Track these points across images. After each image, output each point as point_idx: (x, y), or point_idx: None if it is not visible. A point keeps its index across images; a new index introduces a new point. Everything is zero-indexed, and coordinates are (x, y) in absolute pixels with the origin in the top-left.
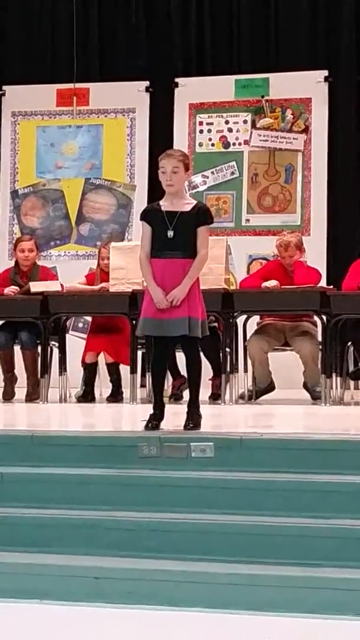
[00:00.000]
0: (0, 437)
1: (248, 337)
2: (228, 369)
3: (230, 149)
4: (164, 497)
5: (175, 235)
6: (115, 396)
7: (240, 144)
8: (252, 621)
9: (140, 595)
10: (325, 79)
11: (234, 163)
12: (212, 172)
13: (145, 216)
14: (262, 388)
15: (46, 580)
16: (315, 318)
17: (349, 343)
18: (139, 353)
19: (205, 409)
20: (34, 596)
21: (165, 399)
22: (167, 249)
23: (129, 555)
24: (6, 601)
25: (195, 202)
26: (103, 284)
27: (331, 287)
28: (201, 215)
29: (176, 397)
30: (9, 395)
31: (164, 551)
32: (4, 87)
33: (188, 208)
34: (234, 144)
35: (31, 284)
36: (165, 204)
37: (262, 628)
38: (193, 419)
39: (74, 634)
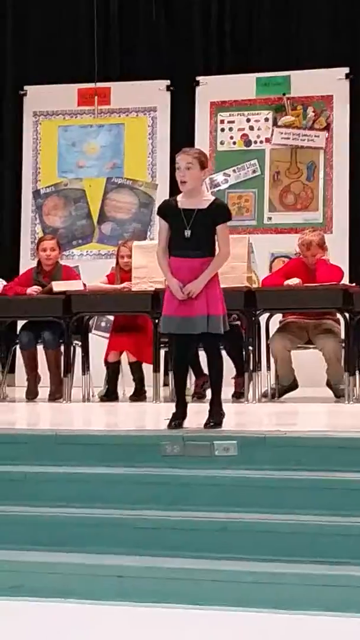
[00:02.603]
0: (24, 436)
1: (271, 335)
2: (251, 367)
3: (251, 147)
4: (187, 495)
5: (192, 235)
6: (138, 395)
7: (261, 142)
8: (276, 620)
9: (163, 594)
10: (347, 76)
11: (255, 161)
12: (234, 171)
13: (162, 211)
14: (285, 386)
15: (69, 579)
16: (338, 316)
17: None
18: (162, 352)
19: (229, 407)
20: (57, 595)
21: (188, 398)
22: (185, 248)
23: (152, 554)
24: (30, 600)
25: (212, 198)
26: (125, 283)
27: (354, 284)
28: (218, 212)
29: (199, 396)
30: (32, 395)
31: (187, 550)
32: (25, 87)
33: (205, 205)
34: (255, 142)
35: (54, 283)
36: (182, 201)
37: (286, 626)
38: (215, 417)
39: (97, 632)
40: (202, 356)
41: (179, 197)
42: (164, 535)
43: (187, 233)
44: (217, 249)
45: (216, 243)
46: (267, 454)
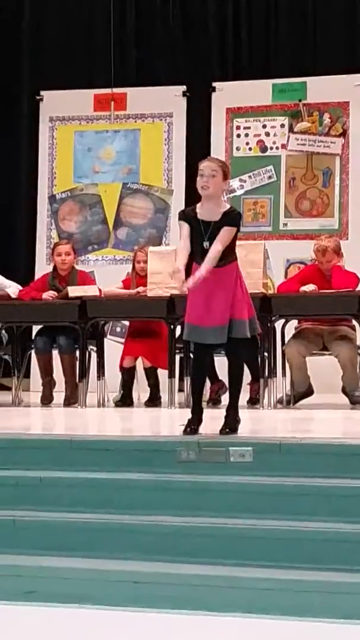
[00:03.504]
0: (39, 441)
1: (286, 342)
2: (266, 374)
3: (267, 153)
4: (203, 501)
5: (210, 246)
6: (153, 401)
7: (277, 148)
8: (291, 626)
9: (178, 600)
10: None
11: (271, 167)
12: (250, 177)
13: (184, 216)
14: (301, 392)
15: (84, 584)
16: (354, 322)
17: None
18: (177, 357)
19: (244, 414)
20: (72, 600)
21: (204, 404)
22: (204, 258)
23: (167, 560)
24: (45, 605)
25: (227, 208)
26: (140, 288)
27: None
28: (228, 219)
29: (214, 402)
30: (47, 400)
31: (202, 556)
32: (41, 93)
33: (220, 217)
34: (271, 148)
35: (69, 288)
36: (201, 212)
37: (301, 633)
38: (231, 423)
39: (112, 638)
40: (218, 362)
41: (198, 208)
42: (179, 541)
43: (206, 245)
44: (236, 252)
45: (236, 248)
46: (283, 460)
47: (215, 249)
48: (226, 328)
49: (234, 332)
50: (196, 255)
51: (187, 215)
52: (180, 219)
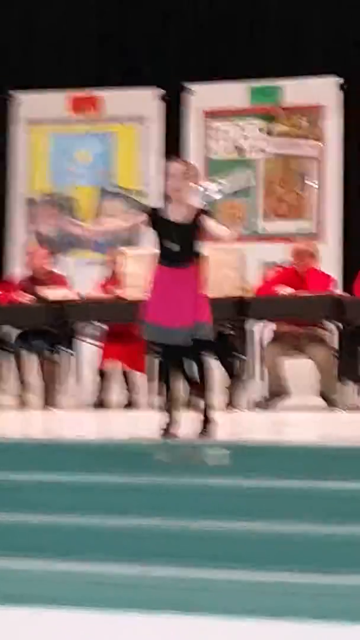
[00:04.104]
0: (16, 444)
1: (263, 344)
2: (244, 376)
3: (244, 156)
4: (180, 504)
5: (181, 250)
6: (131, 403)
7: (254, 151)
8: (249, 626)
9: (155, 601)
10: (341, 86)
11: (248, 170)
12: (227, 180)
13: (153, 213)
14: (277, 395)
15: (62, 587)
16: (329, 324)
17: None
18: (155, 361)
19: (221, 416)
20: (52, 603)
21: (180, 406)
22: (173, 260)
23: (144, 562)
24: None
25: (196, 209)
26: (118, 291)
27: (345, 293)
28: (199, 218)
29: (192, 404)
30: (24, 403)
31: (178, 557)
32: (16, 94)
33: (191, 218)
34: (248, 151)
35: (47, 291)
36: (171, 213)
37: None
38: (207, 426)
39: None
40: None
41: (168, 209)
42: (156, 544)
43: (175, 248)
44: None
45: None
46: (259, 463)
47: (227, 231)
48: (191, 329)
49: (198, 334)
50: (162, 256)
51: (156, 215)
52: (145, 210)
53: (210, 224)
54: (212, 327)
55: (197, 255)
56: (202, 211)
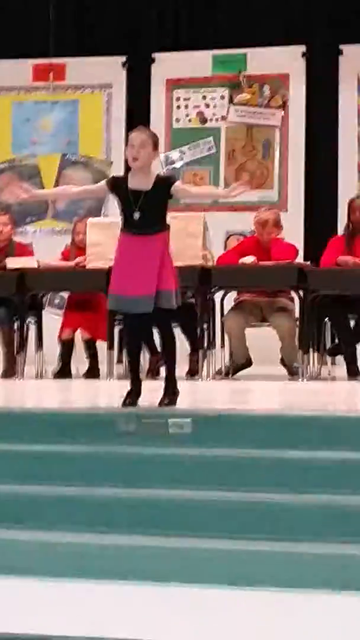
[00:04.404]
0: None
1: (225, 313)
2: (205, 345)
3: (207, 125)
4: (141, 473)
5: (141, 217)
6: (92, 372)
7: (217, 119)
8: (228, 596)
9: (118, 571)
10: (303, 54)
11: (211, 139)
12: (189, 148)
13: (111, 185)
14: (239, 364)
15: (24, 556)
16: (293, 294)
17: (326, 319)
18: (116, 329)
19: (183, 385)
20: (12, 572)
21: (142, 376)
22: (135, 227)
23: (106, 531)
24: None
25: (155, 177)
26: (78, 259)
27: (308, 262)
28: (163, 186)
29: (153, 374)
30: None
31: (140, 527)
32: None
33: (150, 185)
34: (211, 120)
35: (7, 260)
36: (131, 182)
37: (238, 603)
38: (170, 395)
39: (51, 609)
40: (157, 334)
41: (129, 177)
42: (117, 513)
43: (136, 215)
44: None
45: (167, 216)
46: (221, 432)
47: (207, 188)
48: (153, 298)
49: (161, 302)
50: (125, 225)
51: (117, 184)
52: (108, 185)
53: (185, 187)
54: (178, 295)
55: (161, 223)
56: (167, 178)
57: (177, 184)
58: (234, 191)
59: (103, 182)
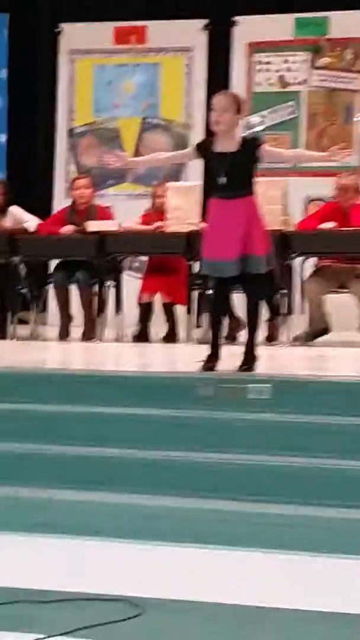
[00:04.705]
0: (58, 375)
1: (305, 279)
2: (285, 311)
3: (288, 89)
4: (220, 438)
5: (228, 182)
6: (171, 336)
7: (298, 83)
8: (301, 561)
9: (193, 533)
10: None
11: (292, 103)
12: (270, 112)
13: (198, 147)
14: (318, 330)
15: (100, 518)
16: None
17: None
18: (195, 293)
19: (261, 351)
20: (85, 533)
21: (221, 340)
22: (223, 191)
23: (184, 495)
24: (56, 537)
25: (241, 139)
26: (158, 223)
27: None
28: (249, 147)
29: (232, 339)
30: (64, 334)
31: (219, 491)
32: (61, 25)
33: (236, 148)
34: (292, 84)
35: (88, 223)
36: (216, 145)
37: (310, 568)
38: (249, 360)
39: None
40: (235, 299)
41: (215, 141)
42: (197, 477)
43: (223, 180)
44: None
45: (258, 183)
46: (301, 398)
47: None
48: (238, 261)
49: (248, 267)
50: (213, 190)
51: (203, 147)
52: (196, 147)
53: (275, 150)
54: (272, 259)
55: (248, 186)
56: (254, 140)
57: (265, 146)
58: (334, 156)
59: (190, 148)
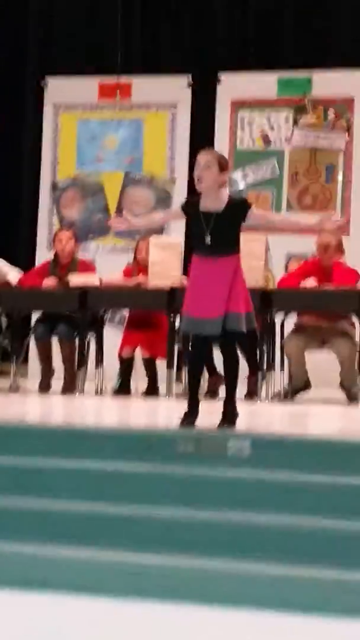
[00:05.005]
0: (37, 430)
1: (285, 336)
2: (265, 367)
3: (271, 147)
4: (200, 494)
5: (213, 241)
6: (151, 391)
7: (281, 142)
8: (287, 621)
9: (173, 591)
10: None
11: (274, 161)
12: (252, 170)
13: (185, 207)
14: (298, 387)
15: (81, 573)
16: (354, 319)
17: None
18: (176, 348)
19: (241, 407)
20: (68, 589)
21: (201, 396)
22: (207, 250)
23: (164, 552)
24: (42, 593)
25: (227, 198)
26: (140, 278)
27: None
28: (236, 208)
29: (212, 394)
30: (46, 388)
31: (198, 548)
32: (46, 79)
33: (222, 207)
34: (275, 142)
35: (70, 276)
36: (203, 203)
37: (297, 628)
38: (229, 417)
39: (109, 627)
40: (216, 355)
41: (201, 199)
42: (176, 534)
43: (207, 239)
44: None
45: (240, 239)
46: (281, 455)
47: (280, 217)
48: (221, 320)
49: (228, 325)
50: (197, 249)
51: (190, 206)
52: (182, 206)
53: (265, 214)
54: (252, 319)
55: (232, 246)
56: (242, 202)
57: (253, 208)
58: (327, 224)
59: (178, 207)
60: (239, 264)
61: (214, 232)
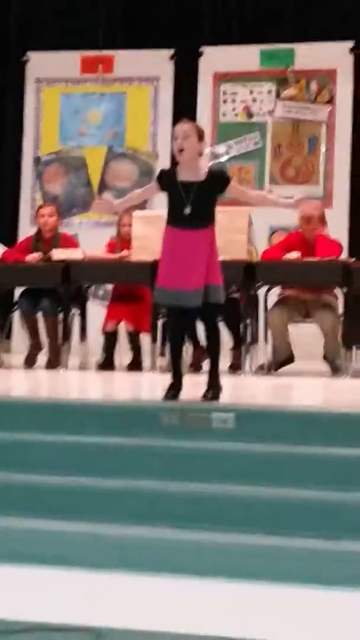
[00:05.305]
0: (22, 404)
1: (269, 309)
2: (248, 340)
3: (253, 120)
4: (184, 467)
5: (192, 212)
6: (135, 365)
7: (264, 114)
8: (274, 591)
9: (160, 563)
10: (351, 50)
11: (257, 133)
12: (235, 143)
13: (161, 180)
14: (282, 359)
15: (67, 547)
16: (337, 290)
17: None
18: (160, 322)
19: (225, 380)
20: (55, 562)
21: (185, 369)
22: (185, 222)
23: (149, 524)
24: (30, 567)
25: (208, 169)
26: (123, 252)
27: (353, 259)
28: (216, 180)
29: (196, 368)
30: (32, 362)
31: (183, 521)
32: (28, 54)
33: (203, 177)
34: (257, 114)
35: (53, 251)
36: (180, 174)
37: (284, 598)
38: (213, 389)
39: (97, 600)
40: (200, 328)
41: (178, 170)
42: (160, 507)
43: (187, 210)
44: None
45: (215, 211)
46: (265, 427)
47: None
48: (202, 292)
49: (209, 297)
50: (174, 220)
51: (168, 177)
52: (158, 181)
53: (242, 189)
54: (224, 290)
55: (210, 217)
56: (222, 174)
57: (233, 183)
58: (305, 205)
59: (153, 182)
60: (214, 236)
61: (195, 203)
